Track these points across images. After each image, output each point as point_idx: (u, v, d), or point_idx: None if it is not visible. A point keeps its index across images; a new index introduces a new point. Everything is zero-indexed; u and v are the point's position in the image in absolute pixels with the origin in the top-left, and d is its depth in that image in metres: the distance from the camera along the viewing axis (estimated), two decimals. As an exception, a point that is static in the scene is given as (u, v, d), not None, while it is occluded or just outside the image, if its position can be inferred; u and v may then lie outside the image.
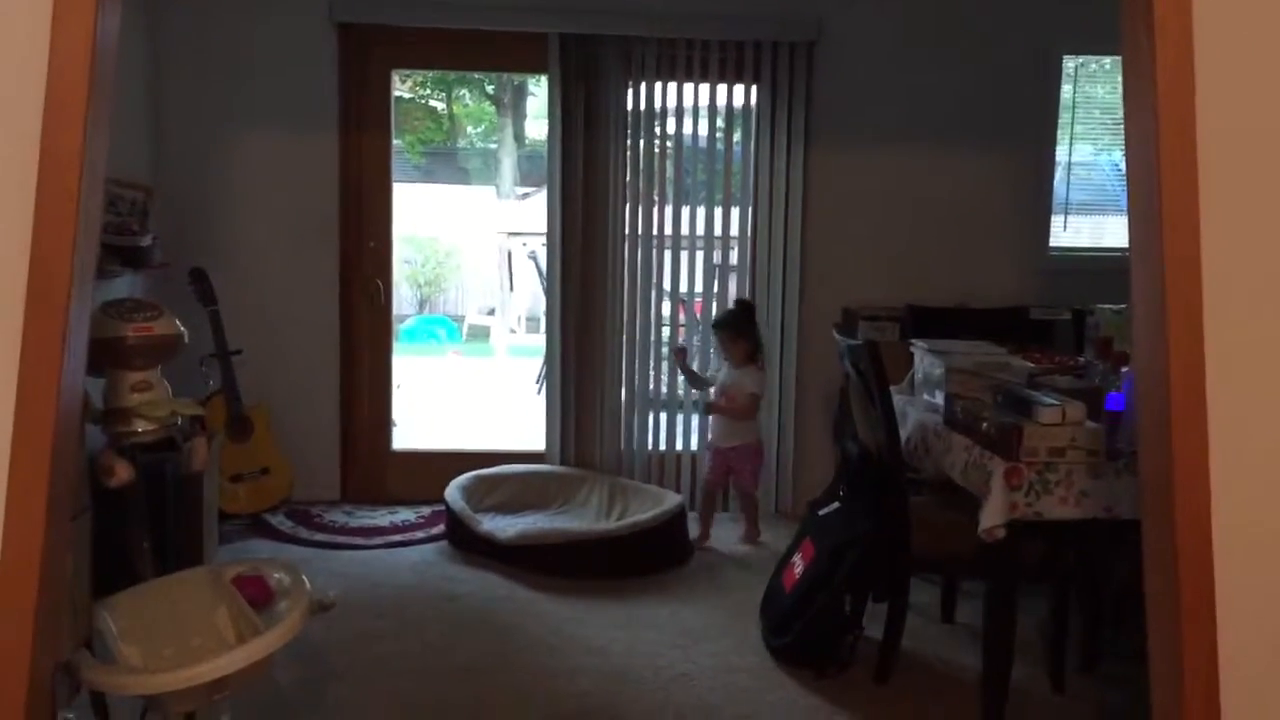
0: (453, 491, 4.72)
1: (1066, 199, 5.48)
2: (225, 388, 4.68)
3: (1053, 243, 5.37)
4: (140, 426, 3.17)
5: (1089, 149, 5.67)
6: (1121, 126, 5.43)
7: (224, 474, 4.54)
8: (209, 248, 4.84)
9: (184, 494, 3.37)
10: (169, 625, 2.60)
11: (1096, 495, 2.97)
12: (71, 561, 2.55)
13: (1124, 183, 5.68)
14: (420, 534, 4.76)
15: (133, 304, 3.36)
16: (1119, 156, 5.72)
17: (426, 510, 4.99)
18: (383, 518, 4.96)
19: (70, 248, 1.98)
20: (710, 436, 4.86)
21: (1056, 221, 5.41)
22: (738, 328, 4.69)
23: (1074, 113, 5.41)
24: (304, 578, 2.74)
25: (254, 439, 4.78)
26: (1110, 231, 5.69)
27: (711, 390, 4.83)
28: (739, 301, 4.90)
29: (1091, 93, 5.56)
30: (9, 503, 1.98)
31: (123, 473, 2.95)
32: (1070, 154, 5.48)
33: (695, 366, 5.16)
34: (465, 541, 4.55)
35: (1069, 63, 5.29)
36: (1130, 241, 2.20)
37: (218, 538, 4.24)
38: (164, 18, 4.81)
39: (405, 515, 4.99)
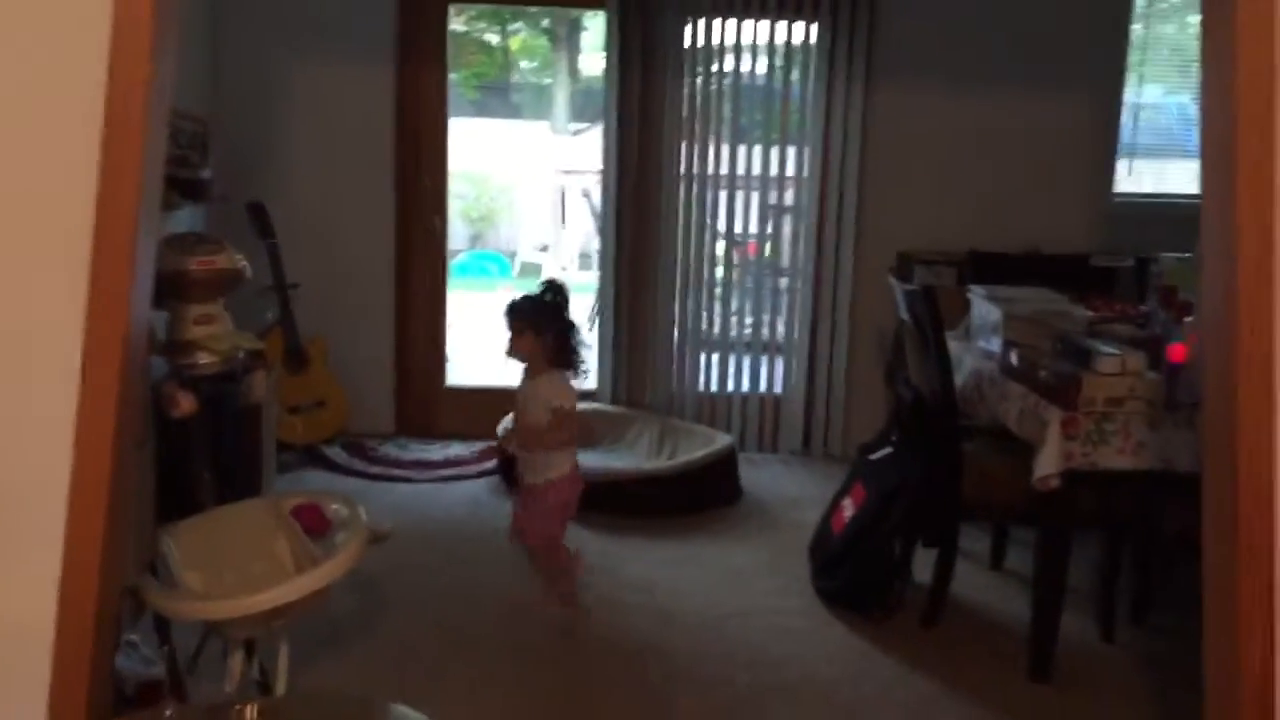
0: (505, 428, 4.76)
1: (1133, 142, 5.36)
2: (283, 321, 4.74)
3: (1117, 188, 5.26)
4: (202, 359, 3.23)
5: (1158, 90, 5.53)
6: (1190, 67, 5.31)
7: (281, 405, 4.61)
8: (266, 181, 4.87)
9: (243, 425, 3.42)
10: (230, 553, 2.67)
11: (1154, 447, 2.94)
12: (136, 488, 2.61)
13: (1190, 126, 5.55)
14: (473, 469, 4.82)
15: (195, 238, 3.40)
16: (1187, 99, 5.57)
17: (479, 446, 5.04)
18: (436, 452, 5.03)
19: (137, 179, 2.00)
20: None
21: (1122, 166, 5.29)
22: (532, 316, 3.29)
23: (1144, 53, 5.27)
24: (361, 510, 2.79)
25: (311, 371, 4.85)
26: (1175, 177, 5.56)
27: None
28: (547, 283, 3.39)
29: (1162, 32, 5.40)
30: (79, 430, 2.02)
31: (186, 404, 3.00)
32: (1139, 96, 5.34)
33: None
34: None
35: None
36: (1202, 190, 2.16)
37: (275, 468, 4.31)
38: (223, -51, 4.81)
39: (458, 450, 5.04)
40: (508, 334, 3.31)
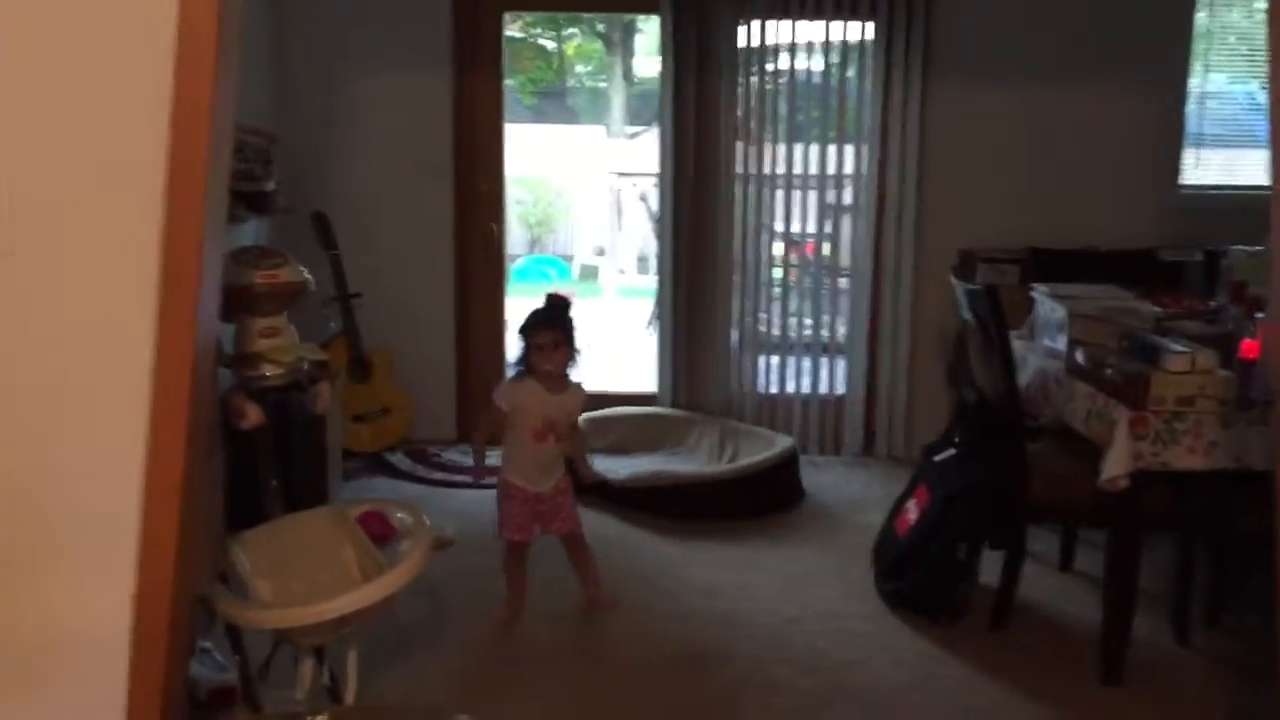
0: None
1: (1199, 132, 5.25)
2: (346, 330, 4.80)
3: (1183, 180, 5.15)
4: (268, 370, 3.28)
5: (1223, 79, 5.40)
6: (1258, 54, 5.19)
7: (346, 414, 4.67)
8: (328, 192, 4.94)
9: (309, 435, 3.47)
10: (298, 562, 2.71)
11: (1226, 446, 2.88)
12: (206, 499, 2.66)
13: (1260, 114, 5.42)
14: (534, 474, 4.84)
15: (259, 251, 3.46)
16: (1255, 87, 5.45)
17: (540, 450, 5.05)
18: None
19: (202, 197, 2.04)
20: (516, 479, 3.42)
21: (1188, 157, 5.18)
22: (571, 330, 3.34)
23: (1209, 41, 5.16)
24: (425, 517, 2.81)
25: (374, 380, 4.91)
26: (1245, 167, 5.44)
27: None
28: (555, 296, 3.44)
29: (1227, 19, 5.29)
30: (151, 442, 2.06)
31: (253, 415, 3.06)
32: (1204, 84, 5.23)
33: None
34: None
35: (1204, -12, 5.05)
36: (1272, 182, 2.11)
37: (341, 475, 4.37)
38: (282, -35, 4.89)
39: (519, 455, 5.06)
40: (545, 347, 3.29)
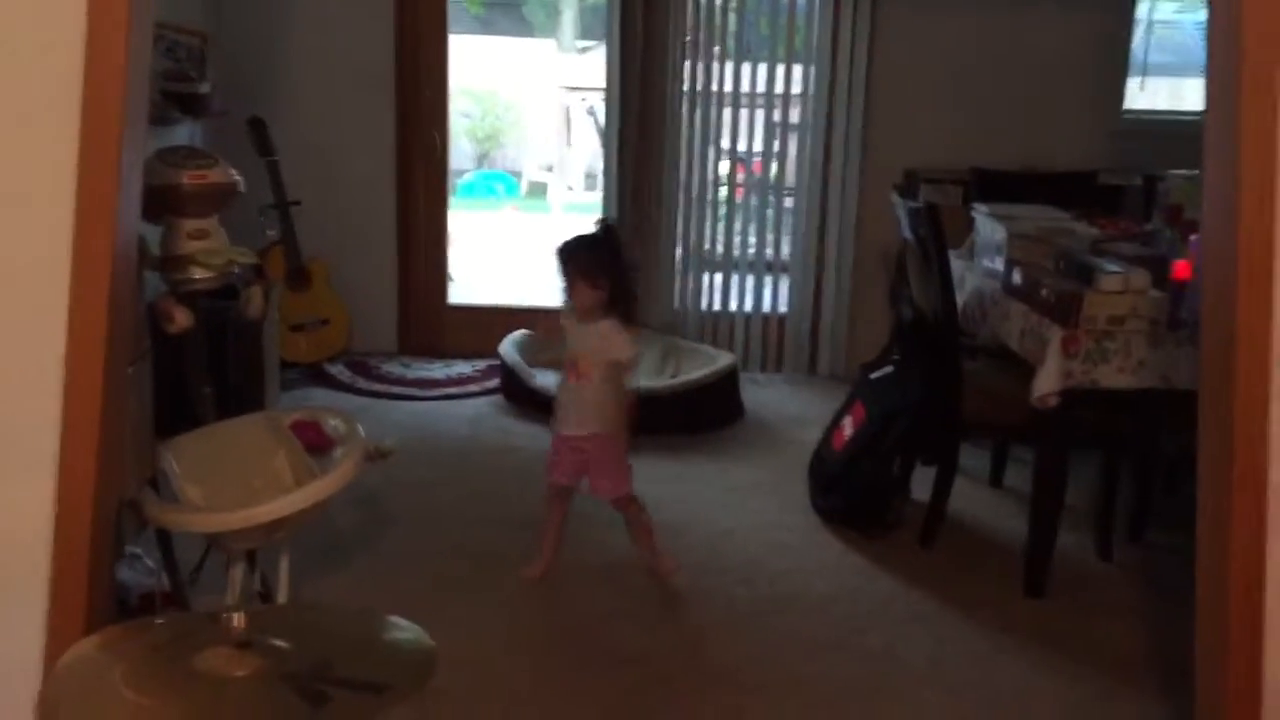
0: (508, 347, 4.75)
1: (1145, 59, 5.26)
2: (284, 238, 4.71)
3: (1128, 105, 5.17)
4: (198, 274, 3.22)
5: (1172, 7, 5.42)
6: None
7: (285, 324, 4.61)
8: (267, 96, 4.81)
9: (243, 341, 3.43)
10: (230, 467, 2.68)
11: (1155, 365, 2.92)
12: (135, 403, 2.62)
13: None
14: (475, 387, 4.83)
15: (187, 151, 3.38)
16: (1205, 15, 5.47)
17: (482, 364, 5.05)
18: (439, 370, 5.03)
19: (121, 90, 1.98)
20: (556, 420, 3.17)
21: (1134, 83, 5.20)
22: (597, 261, 2.99)
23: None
24: (358, 426, 2.79)
25: (314, 289, 4.84)
26: (1191, 94, 5.48)
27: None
28: (602, 223, 3.17)
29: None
30: (70, 345, 2.02)
31: (181, 319, 3.00)
32: (1153, 12, 5.23)
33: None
34: (519, 396, 4.60)
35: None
36: (1206, 108, 2.12)
37: (280, 385, 4.33)
38: None
39: (461, 369, 5.05)
40: (570, 281, 3.00)
